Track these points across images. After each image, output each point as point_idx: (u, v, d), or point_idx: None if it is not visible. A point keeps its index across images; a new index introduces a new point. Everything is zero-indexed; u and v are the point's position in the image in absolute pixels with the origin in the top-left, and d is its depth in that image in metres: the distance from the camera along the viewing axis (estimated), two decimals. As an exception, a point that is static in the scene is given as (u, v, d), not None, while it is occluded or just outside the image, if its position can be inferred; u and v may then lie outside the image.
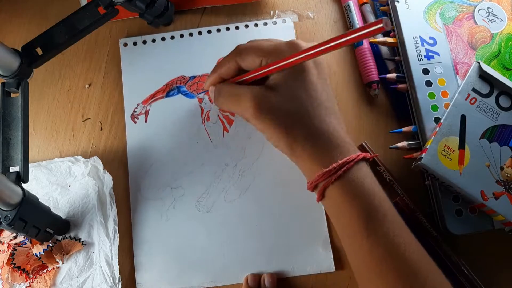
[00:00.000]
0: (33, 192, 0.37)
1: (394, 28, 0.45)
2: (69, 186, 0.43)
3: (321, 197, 0.35)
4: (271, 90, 0.36)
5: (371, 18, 0.48)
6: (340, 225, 0.35)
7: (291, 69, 0.35)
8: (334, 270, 0.40)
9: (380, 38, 0.46)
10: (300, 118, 0.35)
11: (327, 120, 0.35)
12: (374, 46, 0.47)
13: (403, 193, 0.41)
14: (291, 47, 0.36)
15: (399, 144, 0.42)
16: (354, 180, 0.33)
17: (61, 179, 0.43)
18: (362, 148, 0.44)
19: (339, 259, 0.41)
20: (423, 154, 0.39)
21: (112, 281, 0.39)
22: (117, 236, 0.41)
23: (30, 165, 0.42)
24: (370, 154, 0.35)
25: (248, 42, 0.38)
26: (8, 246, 0.40)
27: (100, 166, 0.43)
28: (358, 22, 0.47)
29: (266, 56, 0.36)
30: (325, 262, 0.41)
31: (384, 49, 0.47)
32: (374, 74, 0.45)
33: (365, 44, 0.46)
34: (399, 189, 0.42)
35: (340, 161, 0.33)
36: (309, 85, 0.35)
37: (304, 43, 0.36)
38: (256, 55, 0.36)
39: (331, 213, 0.36)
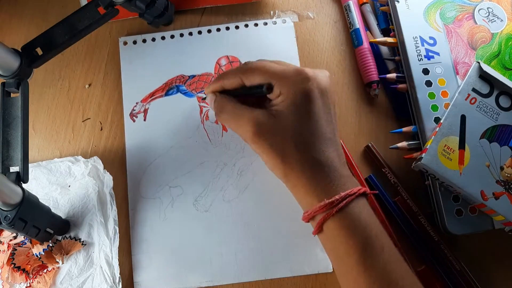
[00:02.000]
0: (33, 192, 0.37)
1: (394, 28, 0.45)
2: (69, 186, 0.43)
3: (319, 230, 0.34)
4: (273, 116, 0.35)
5: (371, 18, 0.48)
6: (336, 258, 0.34)
7: (296, 97, 0.35)
8: (332, 270, 0.40)
9: (380, 38, 0.46)
10: (298, 147, 0.34)
11: (326, 152, 0.34)
12: (374, 46, 0.47)
13: (407, 196, 0.41)
14: (298, 75, 0.35)
15: (399, 144, 0.42)
16: (352, 214, 0.33)
17: (61, 179, 0.43)
18: (368, 149, 0.44)
19: (338, 259, 0.41)
20: (423, 154, 0.39)
21: (112, 281, 0.39)
22: (117, 236, 0.41)
23: (30, 165, 0.42)
24: (369, 190, 0.35)
25: (257, 60, 0.38)
26: (8, 246, 0.40)
27: (100, 166, 0.43)
28: (358, 22, 0.47)
29: (272, 78, 0.36)
30: (323, 263, 0.40)
31: (384, 49, 0.47)
32: (374, 74, 0.45)
33: (365, 44, 0.46)
34: (403, 192, 0.41)
35: (343, 194, 0.33)
36: (312, 115, 0.35)
37: (311, 71, 0.36)
38: (261, 76, 0.36)
39: (326, 246, 0.35)
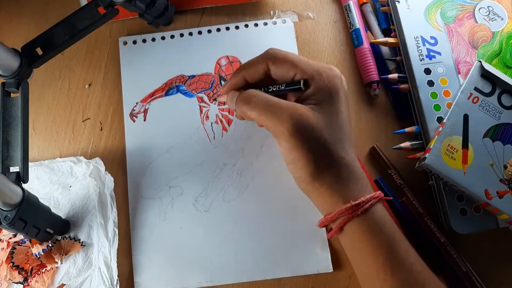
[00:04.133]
0: (35, 191, 0.37)
1: (395, 28, 0.45)
2: (70, 186, 0.43)
3: (339, 231, 0.34)
4: (311, 111, 0.33)
5: (372, 18, 0.48)
6: (360, 261, 0.34)
7: (328, 93, 0.34)
8: (332, 270, 0.40)
9: (381, 39, 0.46)
10: (331, 146, 0.33)
11: (350, 152, 0.34)
12: (375, 46, 0.47)
13: (413, 197, 0.41)
14: (331, 71, 0.35)
15: (402, 145, 0.42)
16: (376, 216, 0.33)
17: (62, 179, 0.43)
18: (374, 150, 0.43)
19: (337, 259, 0.40)
20: (427, 154, 0.39)
21: (110, 283, 0.39)
22: (116, 238, 0.41)
23: (32, 164, 0.43)
24: (384, 196, 0.35)
25: (282, 51, 0.36)
26: (8, 244, 0.40)
27: (102, 167, 0.43)
28: (358, 22, 0.47)
29: (305, 72, 0.34)
30: (323, 263, 0.40)
31: (385, 49, 0.47)
32: (374, 74, 0.45)
33: (365, 44, 0.46)
34: (409, 193, 0.41)
35: (368, 196, 0.32)
36: (340, 114, 0.34)
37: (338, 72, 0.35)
38: (292, 67, 0.35)
39: (348, 249, 0.35)
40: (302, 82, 0.34)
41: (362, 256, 0.33)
